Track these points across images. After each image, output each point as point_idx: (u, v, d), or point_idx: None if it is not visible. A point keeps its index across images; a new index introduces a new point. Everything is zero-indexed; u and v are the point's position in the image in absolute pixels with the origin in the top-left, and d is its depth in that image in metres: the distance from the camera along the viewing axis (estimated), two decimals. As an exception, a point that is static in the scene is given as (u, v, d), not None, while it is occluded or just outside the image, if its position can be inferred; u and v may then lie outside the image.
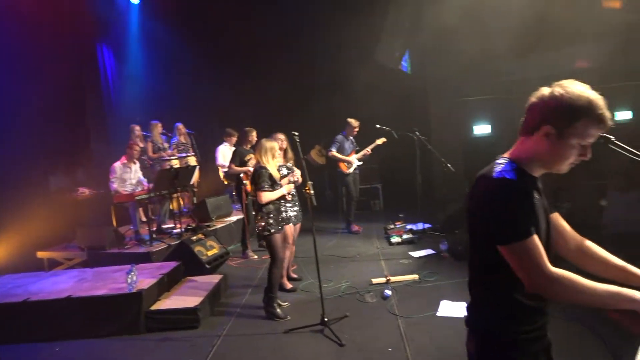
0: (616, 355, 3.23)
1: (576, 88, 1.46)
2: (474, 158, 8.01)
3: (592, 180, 6.10)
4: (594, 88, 1.53)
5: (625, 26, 7.27)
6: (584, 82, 1.51)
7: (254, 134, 6.74)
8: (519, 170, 1.50)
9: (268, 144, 4.61)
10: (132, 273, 4.52)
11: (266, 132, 5.37)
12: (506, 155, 1.60)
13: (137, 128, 7.90)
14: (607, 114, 1.44)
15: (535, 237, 1.43)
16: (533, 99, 1.54)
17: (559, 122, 1.45)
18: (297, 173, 4.93)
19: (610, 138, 1.66)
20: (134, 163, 6.73)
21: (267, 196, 4.42)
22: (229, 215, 7.98)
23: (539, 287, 1.43)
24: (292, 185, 4.83)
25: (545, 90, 1.51)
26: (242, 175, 6.56)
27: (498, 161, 1.56)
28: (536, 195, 1.51)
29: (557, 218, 1.72)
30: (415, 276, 5.23)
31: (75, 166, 8.02)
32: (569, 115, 1.44)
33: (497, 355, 1.56)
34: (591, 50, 7.38)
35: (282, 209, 4.70)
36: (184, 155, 8.17)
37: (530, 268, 1.42)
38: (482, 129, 8.73)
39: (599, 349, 3.37)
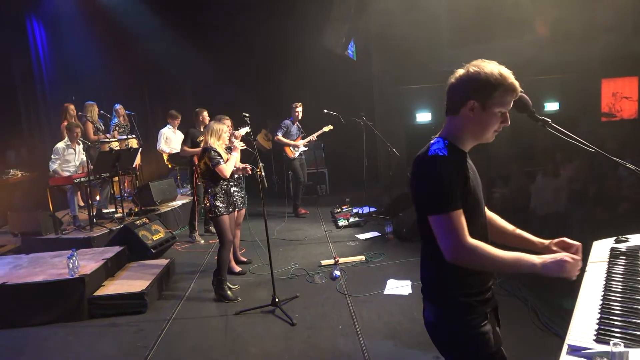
0: (544, 321, 3.55)
1: (488, 65, 1.64)
2: (417, 145, 8.27)
3: (523, 166, 6.55)
4: (525, 80, 1.71)
5: (554, 22, 7.80)
6: (515, 73, 1.67)
7: (205, 113, 6.59)
8: (451, 147, 1.66)
9: (216, 125, 4.59)
10: (74, 258, 4.34)
11: (210, 115, 5.30)
12: (437, 135, 1.75)
13: (72, 107, 7.46)
14: (516, 82, 1.64)
15: (460, 212, 1.58)
16: (452, 80, 1.70)
17: (481, 96, 1.62)
18: (241, 130, 4.92)
19: (548, 121, 1.83)
20: (78, 144, 6.38)
21: (226, 168, 4.42)
22: (173, 199, 7.79)
23: (457, 257, 1.58)
24: (242, 144, 4.80)
25: (460, 72, 1.68)
26: (194, 157, 6.40)
27: (432, 141, 1.70)
28: (469, 169, 1.67)
29: None
30: (362, 257, 5.40)
31: (5, 148, 7.49)
32: (488, 87, 1.61)
33: (455, 319, 1.68)
34: (520, 44, 7.85)
35: (232, 193, 4.67)
36: (125, 137, 7.85)
37: (452, 239, 1.56)
38: (423, 117, 9.07)
39: (532, 319, 3.67)
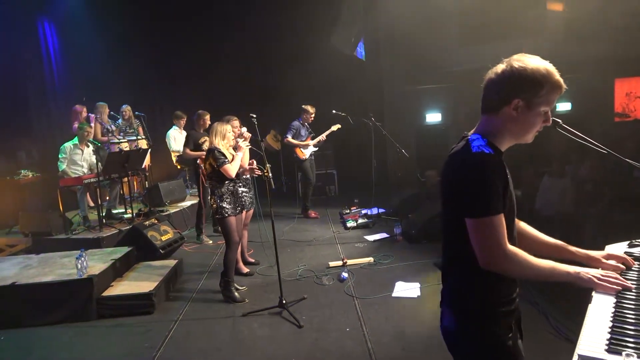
0: (555, 327, 3.48)
1: (532, 60, 1.53)
2: (426, 145, 8.26)
3: (537, 167, 6.46)
4: None
5: (564, 22, 7.69)
6: None
7: (207, 117, 6.58)
8: (491, 145, 1.54)
9: (219, 126, 4.58)
10: (82, 258, 4.36)
11: (219, 116, 5.27)
12: (472, 131, 1.63)
13: (83, 109, 7.53)
14: (561, 79, 1.53)
15: (502, 216, 1.48)
16: (491, 76, 1.57)
17: (527, 94, 1.51)
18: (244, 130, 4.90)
19: (559, 122, 1.77)
20: (87, 146, 6.42)
21: (231, 168, 4.41)
22: (182, 200, 7.83)
23: (495, 263, 1.48)
24: (248, 143, 4.79)
25: (502, 66, 1.55)
26: (198, 159, 6.42)
27: (471, 137, 1.58)
28: (507, 170, 1.56)
29: None
30: (370, 259, 5.36)
31: (17, 148, 7.57)
32: (535, 85, 1.50)
33: (479, 330, 1.59)
34: (533, 43, 7.74)
35: (240, 194, 4.67)
36: (134, 138, 7.89)
37: (492, 244, 1.47)
38: (433, 117, 8.99)
39: (542, 324, 3.60)
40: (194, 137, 6.45)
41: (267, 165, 4.32)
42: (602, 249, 2.37)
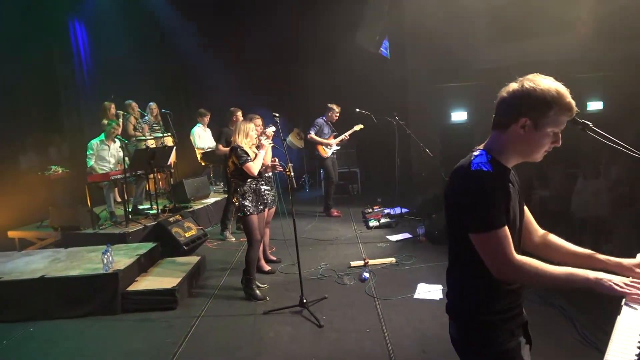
0: (582, 334, 3.38)
1: (544, 81, 1.54)
2: (451, 144, 8.11)
3: (564, 168, 6.28)
4: (568, 78, 1.60)
5: (595, 17, 7.43)
6: (557, 71, 1.58)
7: (239, 113, 6.60)
8: (494, 162, 1.58)
9: (243, 125, 4.61)
10: (108, 253, 4.45)
11: (244, 114, 5.33)
12: (481, 147, 1.67)
13: (112, 106, 7.70)
14: (573, 101, 1.54)
15: (506, 228, 1.52)
16: (503, 94, 1.61)
17: (534, 114, 1.53)
18: (270, 129, 4.88)
19: (588, 124, 1.72)
20: (113, 142, 6.55)
21: (253, 166, 4.43)
22: (206, 196, 7.92)
23: (505, 274, 1.53)
24: (270, 141, 4.79)
25: (514, 86, 1.59)
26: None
27: (474, 153, 1.63)
28: (511, 186, 1.60)
29: (526, 210, 1.80)
30: (392, 259, 5.31)
31: (47, 145, 7.79)
32: (543, 105, 1.51)
33: (477, 337, 1.64)
34: (563, 41, 7.52)
35: (262, 192, 4.69)
36: (160, 135, 8.02)
37: (498, 257, 1.51)
38: (459, 116, 8.84)
39: (569, 330, 3.50)
40: (226, 134, 6.50)
41: (289, 164, 4.31)
42: (634, 255, 2.28)
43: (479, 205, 1.52)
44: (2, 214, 6.24)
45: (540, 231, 1.84)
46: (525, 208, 1.79)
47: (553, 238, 1.83)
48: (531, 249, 1.81)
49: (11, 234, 6.26)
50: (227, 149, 6.32)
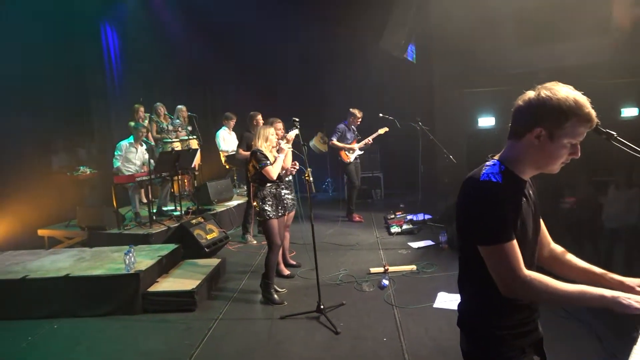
0: (610, 353, 3.23)
1: (562, 89, 1.48)
2: (478, 150, 7.94)
3: (593, 176, 6.06)
4: (602, 83, 1.52)
5: (631, 21, 7.15)
6: (589, 77, 1.50)
7: (259, 117, 6.64)
8: (507, 173, 1.53)
9: (263, 130, 4.62)
10: (130, 254, 4.53)
11: (268, 117, 5.34)
12: (496, 157, 1.62)
13: (141, 109, 7.87)
14: (593, 112, 1.46)
15: (514, 242, 1.46)
16: (519, 102, 1.55)
17: (550, 124, 1.47)
18: (291, 133, 4.85)
19: (613, 134, 1.65)
20: (141, 145, 6.68)
21: (272, 170, 4.42)
22: (230, 199, 7.99)
23: (512, 290, 1.47)
24: (289, 146, 4.78)
25: (530, 94, 1.53)
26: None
27: (487, 163, 1.58)
28: (523, 199, 1.54)
29: (541, 223, 1.74)
30: (413, 267, 5.23)
31: (77, 145, 8.01)
32: (559, 115, 1.45)
33: (484, 352, 1.60)
34: (597, 44, 7.27)
35: (282, 196, 4.69)
36: (186, 138, 8.14)
37: (506, 271, 1.46)
38: (486, 122, 8.66)
39: (593, 345, 3.36)
40: (247, 139, 6.50)
41: (309, 168, 4.30)
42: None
43: (486, 217, 1.48)
44: (33, 213, 6.43)
45: (550, 244, 1.78)
46: (541, 220, 1.73)
47: (562, 252, 1.78)
48: (539, 262, 1.75)
49: (41, 232, 6.45)
50: (248, 153, 6.35)
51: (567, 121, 1.45)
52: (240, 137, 6.78)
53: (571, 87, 1.49)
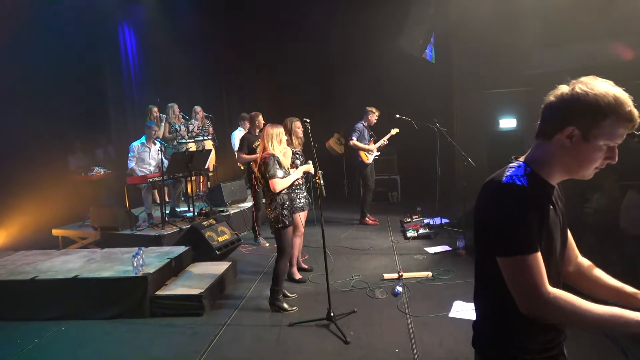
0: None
1: (600, 85, 1.29)
2: (499, 152, 7.69)
3: (618, 180, 5.77)
4: (626, 84, 1.34)
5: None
6: (617, 77, 1.32)
7: (261, 117, 6.45)
8: (533, 176, 1.35)
9: (272, 130, 4.31)
10: (139, 256, 4.47)
11: (285, 117, 5.16)
12: (521, 159, 1.44)
13: (155, 109, 7.86)
14: (636, 111, 1.28)
15: (537, 255, 1.29)
16: (551, 98, 1.37)
17: (584, 123, 1.29)
18: (310, 167, 4.58)
19: (638, 134, 1.46)
20: (153, 144, 6.65)
21: (280, 184, 4.17)
22: (244, 200, 7.91)
23: (533, 309, 1.30)
24: (304, 168, 4.55)
25: (564, 89, 1.34)
26: (252, 163, 6.39)
27: (511, 164, 1.41)
28: (550, 206, 1.36)
29: (568, 235, 1.56)
30: (428, 273, 5.04)
31: (94, 146, 8.06)
32: (595, 114, 1.27)
33: None
34: (624, 43, 6.95)
35: (296, 198, 4.57)
36: (202, 139, 8.10)
37: (527, 287, 1.29)
38: (507, 123, 8.39)
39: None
40: (248, 141, 6.35)
41: (319, 172, 4.15)
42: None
43: (507, 225, 1.30)
44: (48, 212, 6.47)
45: (578, 258, 1.59)
46: (568, 231, 1.55)
47: (590, 267, 1.59)
48: (563, 278, 1.56)
49: (55, 232, 6.48)
50: (249, 157, 6.15)
51: (604, 120, 1.27)
52: (240, 140, 6.56)
53: (611, 83, 1.31)
